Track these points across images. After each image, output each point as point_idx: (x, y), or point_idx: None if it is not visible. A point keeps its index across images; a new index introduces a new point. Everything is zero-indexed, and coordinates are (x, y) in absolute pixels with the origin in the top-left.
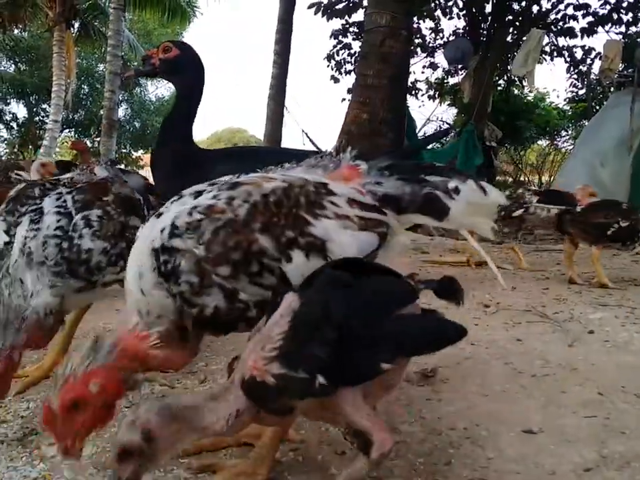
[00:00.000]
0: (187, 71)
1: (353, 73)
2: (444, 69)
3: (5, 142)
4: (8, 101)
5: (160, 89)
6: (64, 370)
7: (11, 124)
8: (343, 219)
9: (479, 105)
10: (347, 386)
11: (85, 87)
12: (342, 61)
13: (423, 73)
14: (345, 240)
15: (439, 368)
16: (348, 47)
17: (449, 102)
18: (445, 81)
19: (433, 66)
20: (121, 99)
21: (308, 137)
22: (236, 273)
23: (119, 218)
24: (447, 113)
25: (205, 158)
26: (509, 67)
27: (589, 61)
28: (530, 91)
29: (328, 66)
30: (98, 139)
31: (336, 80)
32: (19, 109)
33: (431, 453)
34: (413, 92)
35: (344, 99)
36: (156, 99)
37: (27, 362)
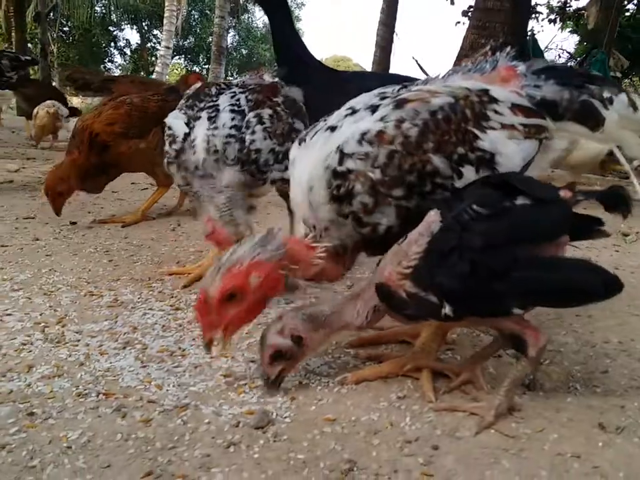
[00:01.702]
0: None
1: None
2: None
3: (119, 67)
4: (122, 27)
5: None
6: (226, 259)
7: (124, 50)
8: (508, 129)
9: (608, 31)
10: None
11: (195, 13)
12: None
13: None
14: (510, 151)
15: None
16: None
17: (570, 28)
18: (568, 4)
19: None
20: (228, 25)
21: (419, 65)
22: (410, 194)
23: (287, 119)
24: (567, 41)
25: (342, 75)
26: None
27: None
28: None
29: None
30: (207, 66)
31: (452, 2)
32: (132, 35)
33: (586, 362)
34: (533, 16)
35: (458, 22)
36: (263, 25)
37: (185, 261)
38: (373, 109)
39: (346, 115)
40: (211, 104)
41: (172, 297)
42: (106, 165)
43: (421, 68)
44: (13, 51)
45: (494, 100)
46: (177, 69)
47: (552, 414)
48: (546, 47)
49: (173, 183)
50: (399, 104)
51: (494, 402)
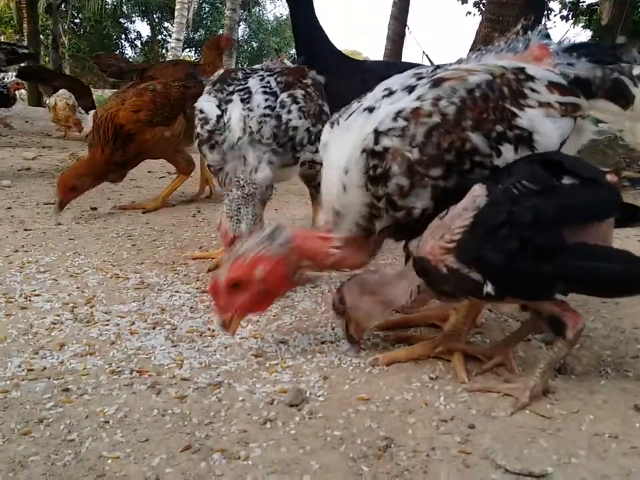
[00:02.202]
0: None
1: None
2: None
3: (130, 59)
4: (133, 19)
5: (278, 9)
6: (238, 249)
7: (135, 42)
8: (545, 107)
9: (620, 27)
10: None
11: (206, 5)
12: None
13: None
14: (548, 129)
15: None
16: None
17: (583, 24)
18: (581, 0)
19: None
20: (239, 18)
21: (429, 60)
22: (448, 173)
23: (317, 100)
24: (580, 36)
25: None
26: None
27: None
28: None
29: None
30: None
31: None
32: (142, 28)
33: (616, 347)
34: (545, 12)
35: (469, 13)
36: (274, 18)
37: (208, 246)
38: (410, 89)
39: (383, 96)
40: (242, 87)
41: (197, 279)
42: (130, 156)
43: (432, 63)
44: (11, 42)
45: (530, 78)
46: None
47: (586, 396)
48: (559, 42)
49: (193, 170)
50: (436, 83)
51: (529, 383)
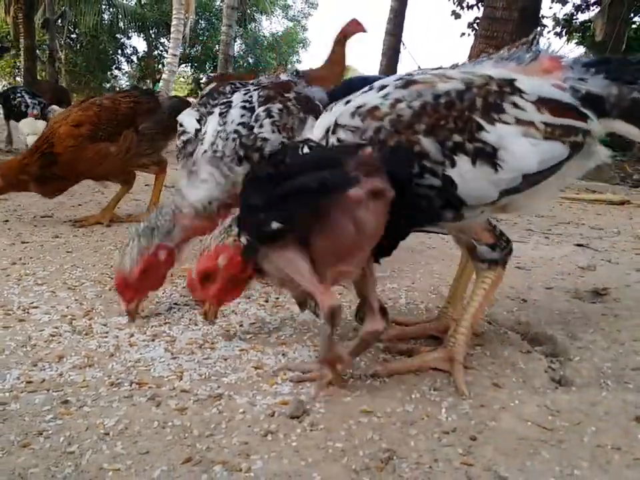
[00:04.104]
0: None
1: (475, 7)
2: (574, 3)
3: (127, 75)
4: (129, 34)
5: (274, 25)
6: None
7: (132, 57)
8: (524, 125)
9: (612, 44)
10: None
11: (202, 22)
12: None
13: (550, 8)
14: (521, 150)
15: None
16: None
17: (576, 40)
18: (575, 17)
19: (562, 0)
20: (235, 34)
21: None
22: None
23: (298, 114)
24: (573, 53)
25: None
26: None
27: None
28: None
29: (449, 0)
30: (213, 74)
31: (457, 15)
32: (139, 43)
33: (616, 359)
34: (539, 28)
35: (463, 34)
36: (270, 34)
37: None
38: (383, 87)
39: (363, 92)
40: (225, 101)
41: None
42: (57, 173)
43: None
44: None
45: (517, 91)
46: (183, 77)
47: (587, 408)
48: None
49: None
50: (406, 84)
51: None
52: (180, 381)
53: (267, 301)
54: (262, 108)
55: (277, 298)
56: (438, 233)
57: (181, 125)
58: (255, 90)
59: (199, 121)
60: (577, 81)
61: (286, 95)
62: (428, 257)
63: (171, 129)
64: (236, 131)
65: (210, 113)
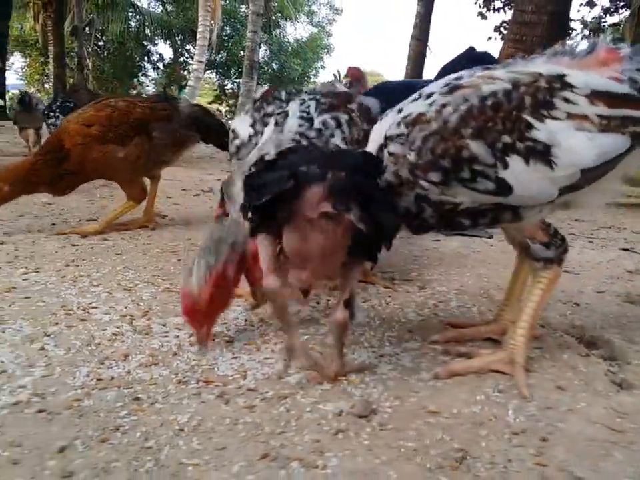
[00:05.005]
0: None
1: (502, 10)
2: (602, 6)
3: (153, 81)
4: (155, 41)
5: (298, 31)
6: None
7: (158, 64)
8: (576, 120)
9: None
10: None
11: (228, 28)
12: None
13: (578, 11)
14: (576, 144)
15: None
16: None
17: None
18: (603, 19)
19: (591, 3)
20: (260, 40)
21: None
22: (447, 179)
23: (362, 125)
24: None
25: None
26: None
27: None
28: None
29: (475, 2)
30: (238, 80)
31: (483, 17)
32: (165, 50)
33: None
34: (568, 31)
35: (490, 38)
36: (294, 40)
37: None
38: (430, 94)
39: (412, 100)
40: (280, 110)
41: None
42: (69, 172)
43: None
44: None
45: (567, 86)
46: (208, 83)
47: None
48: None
49: (144, 200)
50: (451, 90)
51: None
52: (244, 379)
53: (318, 303)
54: (328, 115)
55: (329, 300)
56: (481, 237)
57: (234, 132)
58: (311, 100)
59: (252, 125)
60: (636, 71)
61: (349, 105)
62: (474, 260)
63: (187, 139)
64: (293, 140)
65: (265, 122)
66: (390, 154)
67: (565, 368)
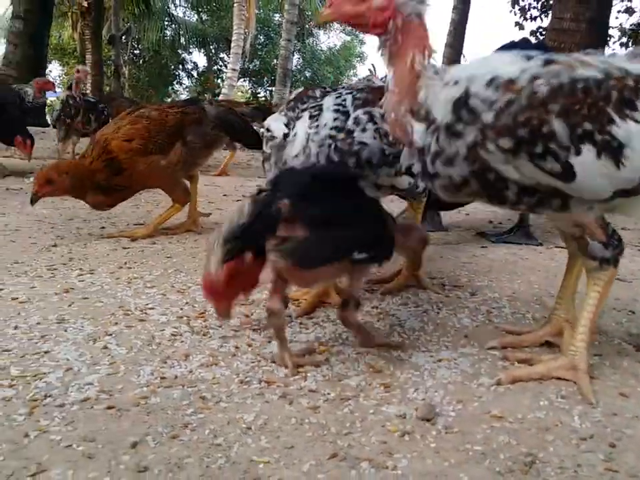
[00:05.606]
0: None
1: (539, 19)
2: None
3: (187, 89)
4: (190, 50)
5: (331, 39)
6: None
7: (192, 72)
8: None
9: None
10: None
11: (261, 36)
12: (527, 6)
13: (617, 18)
14: None
15: None
16: None
17: None
18: None
19: (629, 11)
20: (294, 48)
21: None
22: (518, 150)
23: None
24: None
25: None
26: None
27: None
28: None
29: (511, 11)
30: (271, 88)
31: (521, 27)
32: (199, 58)
33: None
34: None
35: None
36: (327, 48)
37: None
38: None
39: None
40: (315, 104)
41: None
42: (120, 185)
43: None
44: None
45: None
46: (241, 91)
47: None
48: None
49: (189, 201)
50: (546, 63)
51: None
52: (305, 381)
53: (374, 308)
54: (361, 111)
55: (380, 305)
56: (529, 244)
57: (269, 130)
58: (348, 94)
59: (286, 125)
60: None
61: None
62: (522, 267)
63: (216, 140)
64: (330, 136)
65: (298, 118)
66: (469, 111)
67: (626, 375)
